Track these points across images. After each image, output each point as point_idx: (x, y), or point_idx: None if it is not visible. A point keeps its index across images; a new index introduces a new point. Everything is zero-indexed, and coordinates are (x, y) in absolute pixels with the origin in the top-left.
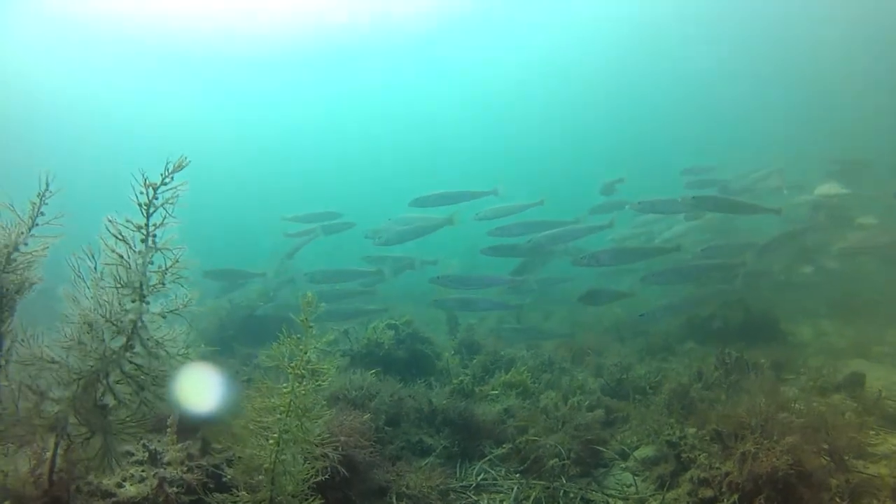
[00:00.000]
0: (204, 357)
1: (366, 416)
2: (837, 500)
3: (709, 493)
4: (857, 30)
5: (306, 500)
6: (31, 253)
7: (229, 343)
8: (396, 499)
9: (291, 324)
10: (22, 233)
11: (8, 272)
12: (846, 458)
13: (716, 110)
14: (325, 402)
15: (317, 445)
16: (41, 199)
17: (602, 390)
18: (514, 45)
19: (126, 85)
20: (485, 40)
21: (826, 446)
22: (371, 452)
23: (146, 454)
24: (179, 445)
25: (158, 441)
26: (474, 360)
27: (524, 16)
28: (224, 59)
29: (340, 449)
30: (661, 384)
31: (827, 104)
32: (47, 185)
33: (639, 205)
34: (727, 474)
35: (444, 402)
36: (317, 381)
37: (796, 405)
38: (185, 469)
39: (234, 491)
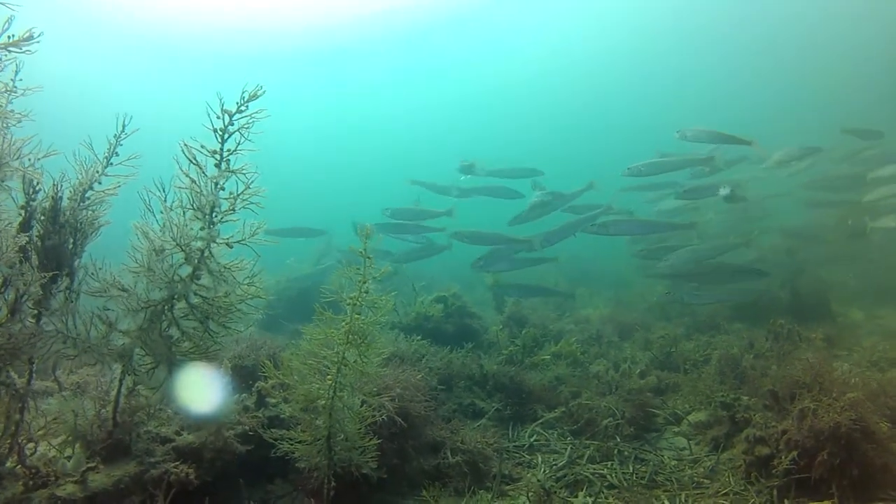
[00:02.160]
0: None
1: (419, 374)
2: None
3: (765, 451)
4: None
5: (364, 440)
6: (104, 191)
7: (277, 321)
8: (451, 454)
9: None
10: (97, 171)
11: (82, 209)
12: None
13: (713, 108)
14: (381, 338)
15: (374, 393)
16: (117, 140)
17: (651, 362)
18: (514, 43)
19: (127, 76)
20: (484, 38)
21: (888, 412)
22: (426, 408)
23: None
24: (235, 398)
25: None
26: (523, 332)
27: (524, 14)
28: (224, 56)
29: (396, 401)
30: (711, 357)
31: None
32: (123, 126)
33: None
34: (784, 432)
35: (495, 367)
36: (375, 314)
37: (851, 378)
38: (243, 419)
39: (293, 429)
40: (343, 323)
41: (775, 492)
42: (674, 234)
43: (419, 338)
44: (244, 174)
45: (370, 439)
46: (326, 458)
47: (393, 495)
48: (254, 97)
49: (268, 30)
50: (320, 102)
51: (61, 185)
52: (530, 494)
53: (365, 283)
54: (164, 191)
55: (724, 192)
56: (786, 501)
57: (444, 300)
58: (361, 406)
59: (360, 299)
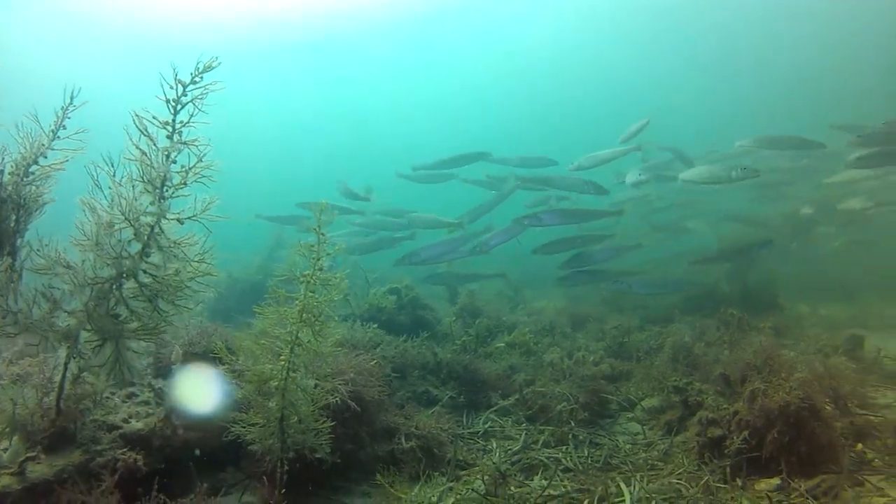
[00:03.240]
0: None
1: (374, 361)
2: (844, 439)
3: (718, 432)
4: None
5: (318, 422)
6: (50, 166)
7: (229, 314)
8: (406, 439)
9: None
10: (43, 144)
11: (26, 184)
12: (850, 406)
13: (700, 105)
14: (336, 323)
15: (327, 375)
16: (64, 112)
17: (605, 352)
18: (500, 35)
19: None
20: (465, 33)
21: (831, 393)
22: (380, 392)
23: (151, 394)
24: None
25: (164, 384)
26: (476, 322)
27: (507, 7)
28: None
29: (350, 385)
30: (664, 346)
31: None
32: (71, 98)
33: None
34: (736, 413)
35: (449, 356)
36: (329, 292)
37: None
38: None
39: (245, 412)
40: (297, 301)
41: (728, 470)
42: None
43: (375, 326)
44: (196, 147)
45: (324, 422)
46: (279, 441)
47: (347, 481)
48: (208, 68)
49: (246, 22)
50: (302, 95)
51: (2, 159)
52: (485, 478)
53: (319, 259)
54: (112, 165)
55: (630, 179)
56: (738, 480)
57: (398, 292)
58: (315, 388)
59: (314, 277)
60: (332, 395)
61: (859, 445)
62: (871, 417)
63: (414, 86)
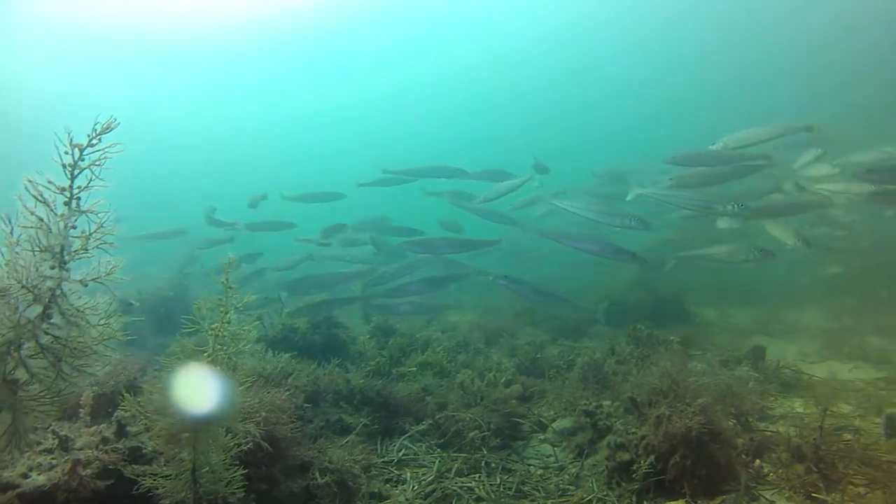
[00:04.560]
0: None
1: (285, 394)
2: (744, 456)
3: (626, 456)
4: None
5: (229, 470)
6: None
7: (142, 335)
8: (320, 474)
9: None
10: None
11: None
12: (751, 420)
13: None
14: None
15: (238, 420)
16: None
17: (517, 369)
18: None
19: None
20: (408, 33)
21: (733, 410)
22: (292, 429)
23: (56, 441)
24: (93, 429)
25: (69, 428)
26: (390, 342)
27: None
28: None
29: (262, 425)
30: (575, 361)
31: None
32: None
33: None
34: (643, 437)
35: (362, 381)
36: (238, 343)
37: (704, 378)
38: (101, 452)
39: (155, 463)
40: (205, 354)
41: (634, 497)
42: None
43: (285, 353)
44: (95, 213)
45: (237, 469)
46: (192, 493)
47: None
48: (107, 129)
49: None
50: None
51: None
52: None
53: (227, 313)
54: (10, 223)
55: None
56: (645, 503)
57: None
58: (226, 436)
59: (222, 329)
60: (244, 439)
61: (757, 462)
62: (769, 432)
63: (386, 81)
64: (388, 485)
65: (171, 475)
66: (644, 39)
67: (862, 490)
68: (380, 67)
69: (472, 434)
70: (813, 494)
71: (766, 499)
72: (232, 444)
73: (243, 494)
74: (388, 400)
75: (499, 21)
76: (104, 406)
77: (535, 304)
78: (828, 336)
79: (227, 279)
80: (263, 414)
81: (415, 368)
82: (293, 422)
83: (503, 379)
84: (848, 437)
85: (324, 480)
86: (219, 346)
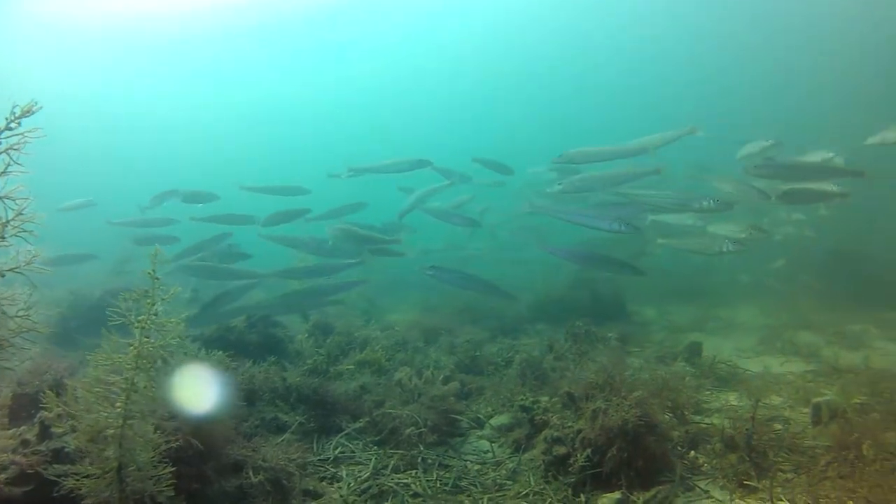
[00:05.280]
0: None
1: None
2: (679, 448)
3: (562, 450)
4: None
5: (158, 469)
6: None
7: (72, 335)
8: (254, 473)
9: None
10: None
11: None
12: (686, 413)
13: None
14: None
15: (168, 417)
16: None
17: (457, 367)
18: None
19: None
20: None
21: (669, 404)
22: (225, 427)
23: None
24: (11, 432)
25: None
26: (328, 341)
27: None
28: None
29: (193, 422)
30: (514, 359)
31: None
32: None
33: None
34: (579, 431)
35: (298, 379)
36: (165, 336)
37: (642, 373)
38: (20, 456)
39: (79, 464)
40: (131, 347)
41: (571, 490)
42: None
43: (221, 351)
44: (13, 200)
45: (165, 466)
46: (118, 492)
47: None
48: (27, 113)
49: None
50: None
51: None
52: None
53: (153, 305)
54: None
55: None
56: (581, 496)
57: (247, 309)
58: (155, 433)
59: (148, 322)
60: (173, 436)
61: (692, 453)
62: (704, 424)
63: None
64: (323, 483)
65: (94, 474)
66: (636, 37)
67: (790, 476)
68: (356, 61)
69: (408, 430)
70: (745, 482)
71: (701, 488)
72: (160, 441)
73: (173, 493)
74: (325, 398)
75: (480, 13)
76: (26, 407)
77: (465, 291)
78: (762, 332)
79: (153, 270)
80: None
81: (353, 366)
82: (226, 420)
83: (441, 376)
84: (778, 427)
85: (257, 479)
86: (145, 339)
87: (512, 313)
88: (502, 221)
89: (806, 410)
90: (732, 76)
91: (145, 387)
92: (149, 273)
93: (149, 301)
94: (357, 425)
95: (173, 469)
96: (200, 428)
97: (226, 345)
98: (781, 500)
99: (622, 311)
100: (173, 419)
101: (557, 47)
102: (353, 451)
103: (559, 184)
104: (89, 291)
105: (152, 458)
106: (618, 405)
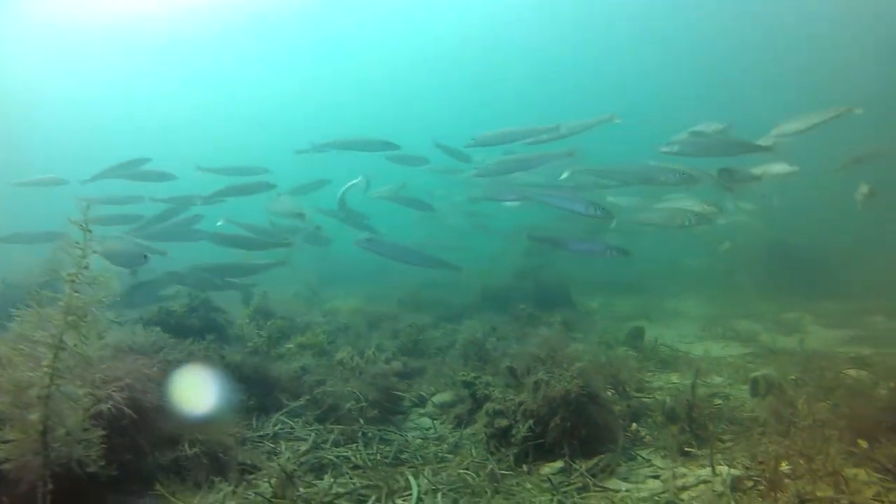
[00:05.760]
0: None
1: (156, 367)
2: (622, 421)
3: (504, 422)
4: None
5: (87, 433)
6: None
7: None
8: (190, 445)
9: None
10: None
11: None
12: (628, 389)
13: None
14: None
15: (100, 383)
16: None
17: (399, 350)
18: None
19: None
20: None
21: (611, 380)
22: (162, 398)
23: None
24: None
25: None
26: (269, 324)
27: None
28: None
29: (126, 391)
30: (457, 342)
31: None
32: None
33: None
34: (521, 403)
35: (238, 357)
36: (97, 292)
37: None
38: None
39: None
40: (61, 302)
41: (513, 460)
42: None
43: (159, 329)
44: None
45: (95, 431)
46: (42, 456)
47: (126, 494)
48: None
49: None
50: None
51: None
52: (272, 480)
53: (85, 257)
54: None
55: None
56: (524, 466)
57: (188, 294)
58: (85, 396)
59: (79, 275)
60: (105, 402)
61: (634, 425)
62: (646, 399)
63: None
64: (263, 457)
65: (16, 438)
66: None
67: (730, 444)
68: (352, 53)
69: (348, 405)
70: (686, 449)
71: (643, 457)
72: (89, 405)
73: (104, 463)
74: (265, 377)
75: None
76: None
77: (402, 263)
78: (704, 320)
79: (84, 221)
80: (129, 381)
81: (292, 346)
82: (162, 392)
83: (383, 357)
84: (718, 402)
85: (193, 451)
86: (74, 294)
87: (456, 302)
88: (449, 209)
89: (745, 387)
90: (733, 66)
91: (75, 345)
92: (79, 224)
93: (79, 253)
94: (298, 403)
95: (103, 434)
96: (135, 398)
97: (166, 329)
98: (720, 465)
99: (567, 301)
100: (107, 384)
101: (556, 38)
102: (293, 428)
103: (474, 168)
104: (24, 279)
105: (82, 421)
106: (560, 376)
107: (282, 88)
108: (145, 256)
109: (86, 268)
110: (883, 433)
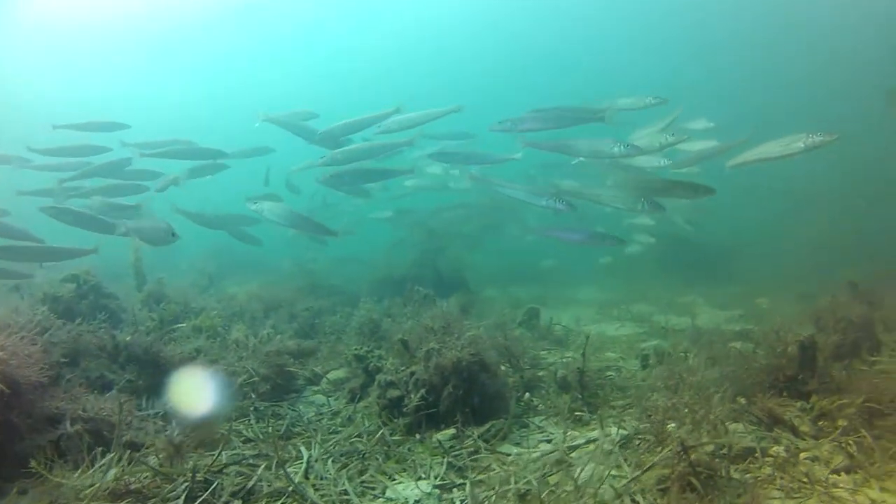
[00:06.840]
0: None
1: (37, 347)
2: (515, 392)
3: (396, 393)
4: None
5: None
6: None
7: None
8: (71, 423)
9: None
10: None
11: None
12: (521, 363)
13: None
14: None
15: None
16: None
17: (296, 332)
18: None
19: None
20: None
21: (505, 352)
22: (41, 375)
23: None
24: None
25: None
26: (161, 306)
27: None
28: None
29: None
30: (352, 324)
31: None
32: None
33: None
34: (413, 374)
35: (129, 338)
36: None
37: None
38: None
39: None
40: None
41: (405, 429)
42: None
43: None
44: None
45: None
46: None
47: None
48: None
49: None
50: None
51: None
52: (160, 455)
53: None
54: None
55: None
56: (416, 434)
57: (77, 279)
58: None
59: None
60: None
61: (527, 395)
62: (540, 373)
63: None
64: (149, 436)
65: None
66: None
67: (620, 410)
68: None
69: (240, 380)
70: (577, 414)
71: (536, 424)
72: None
73: None
74: (157, 357)
75: None
76: None
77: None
78: (601, 305)
79: None
80: (2, 355)
81: (184, 325)
82: (45, 370)
83: (278, 337)
84: (611, 373)
85: (75, 429)
86: None
87: (354, 289)
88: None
89: (637, 361)
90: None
91: None
92: None
93: None
94: None
95: None
96: (9, 374)
97: (55, 314)
98: (611, 427)
99: (465, 288)
100: None
101: (546, 24)
102: None
103: (321, 158)
104: None
105: None
106: (451, 345)
107: (263, 80)
108: (174, 234)
109: None
110: (759, 391)
